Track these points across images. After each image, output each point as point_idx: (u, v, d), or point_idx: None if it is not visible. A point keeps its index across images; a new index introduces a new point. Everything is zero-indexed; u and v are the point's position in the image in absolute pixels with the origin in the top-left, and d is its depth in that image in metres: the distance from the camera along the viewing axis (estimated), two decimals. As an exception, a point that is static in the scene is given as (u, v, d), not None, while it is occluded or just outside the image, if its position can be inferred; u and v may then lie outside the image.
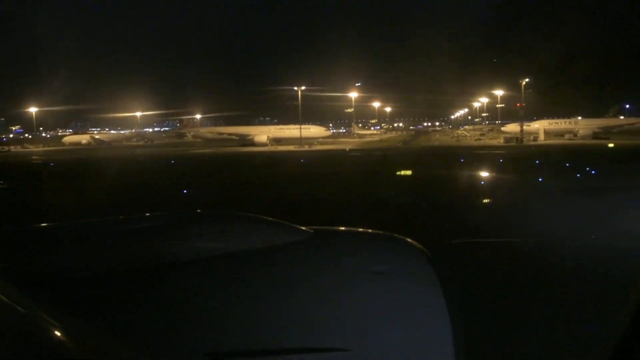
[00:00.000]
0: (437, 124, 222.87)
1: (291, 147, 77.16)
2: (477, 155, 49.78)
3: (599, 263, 10.59)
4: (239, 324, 2.02)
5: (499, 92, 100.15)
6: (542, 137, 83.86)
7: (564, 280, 9.74)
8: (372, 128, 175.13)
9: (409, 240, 2.54)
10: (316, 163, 47.27)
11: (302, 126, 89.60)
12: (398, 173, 32.17)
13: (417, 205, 20.28)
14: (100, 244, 2.30)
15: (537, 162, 40.32)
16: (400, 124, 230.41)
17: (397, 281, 2.25)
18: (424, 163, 41.53)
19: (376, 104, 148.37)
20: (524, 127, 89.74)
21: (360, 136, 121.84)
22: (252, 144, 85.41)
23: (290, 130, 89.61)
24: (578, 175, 30.29)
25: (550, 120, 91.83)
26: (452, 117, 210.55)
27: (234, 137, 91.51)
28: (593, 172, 31.50)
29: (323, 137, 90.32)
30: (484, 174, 31.89)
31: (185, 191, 26.29)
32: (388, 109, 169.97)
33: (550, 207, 18.11)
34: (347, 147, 73.04)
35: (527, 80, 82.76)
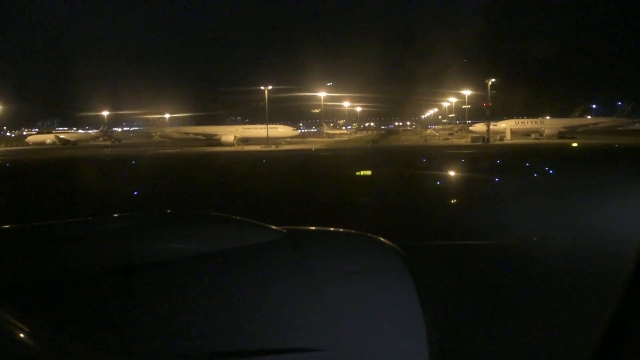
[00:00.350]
0: (409, 123, 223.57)
1: (258, 147, 76.36)
2: (440, 155, 49.64)
3: (564, 262, 10.54)
4: (212, 326, 2.00)
5: (466, 92, 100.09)
6: (508, 136, 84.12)
7: (533, 281, 9.74)
8: (344, 128, 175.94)
9: (383, 239, 2.51)
10: (278, 163, 46.57)
11: (270, 126, 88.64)
12: (357, 173, 31.83)
13: (370, 206, 20.14)
14: (66, 247, 2.23)
15: (498, 161, 40.13)
16: (372, 124, 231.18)
17: (370, 280, 2.25)
18: (386, 163, 41.13)
19: (346, 104, 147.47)
20: (492, 126, 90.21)
21: (330, 136, 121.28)
22: (219, 143, 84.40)
23: (258, 130, 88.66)
24: (535, 174, 30.19)
25: (517, 120, 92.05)
26: (423, 116, 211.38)
27: (200, 136, 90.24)
28: (551, 171, 31.47)
29: (291, 137, 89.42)
30: (443, 173, 31.60)
31: (135, 193, 25.44)
32: (359, 109, 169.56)
33: (505, 207, 17.91)
34: (314, 147, 72.45)
35: (493, 80, 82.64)
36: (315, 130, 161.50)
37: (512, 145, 67.74)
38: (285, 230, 2.44)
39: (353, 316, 2.12)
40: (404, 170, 34.80)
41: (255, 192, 24.86)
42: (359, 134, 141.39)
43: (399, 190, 24.45)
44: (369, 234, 2.59)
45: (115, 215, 2.57)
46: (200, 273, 2.17)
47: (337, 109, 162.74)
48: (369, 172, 31.86)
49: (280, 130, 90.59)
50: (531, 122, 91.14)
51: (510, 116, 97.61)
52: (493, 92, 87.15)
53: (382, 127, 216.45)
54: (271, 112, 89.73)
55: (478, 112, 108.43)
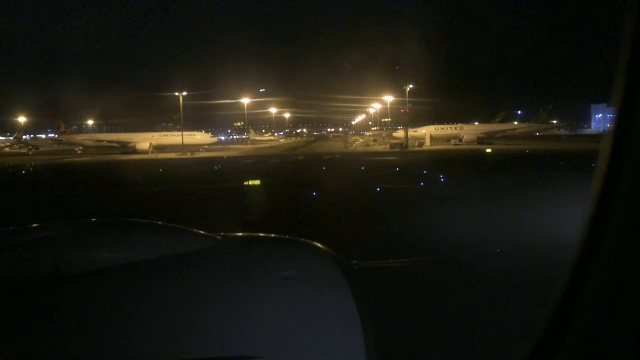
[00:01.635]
0: (340, 129, 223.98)
1: (172, 155, 74.00)
2: (345, 162, 48.53)
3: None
4: (144, 336, 1.93)
5: (388, 99, 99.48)
6: (428, 142, 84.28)
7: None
8: (276, 134, 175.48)
9: (319, 244, 2.51)
10: (174, 170, 44.63)
11: (187, 133, 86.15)
12: (245, 183, 30.14)
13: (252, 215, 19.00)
14: None
15: (397, 169, 39.00)
16: (304, 130, 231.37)
17: (306, 285, 2.22)
18: (290, 171, 40.00)
19: (273, 110, 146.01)
20: (413, 132, 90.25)
21: (254, 142, 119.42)
22: (134, 151, 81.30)
23: (175, 138, 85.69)
24: (422, 183, 29.19)
25: (437, 126, 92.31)
26: (353, 122, 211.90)
27: (114, 144, 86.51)
28: (441, 179, 30.54)
29: (209, 144, 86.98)
30: (327, 182, 30.14)
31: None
32: (287, 115, 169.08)
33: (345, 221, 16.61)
34: (226, 154, 70.55)
35: (411, 86, 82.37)
36: (245, 136, 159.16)
37: (427, 152, 67.39)
38: (220, 237, 2.42)
39: (289, 322, 2.08)
40: (293, 179, 33.39)
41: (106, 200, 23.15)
42: (285, 141, 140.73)
43: (270, 201, 23.25)
44: (304, 240, 2.56)
45: (40, 224, 2.44)
46: (133, 281, 2.08)
47: (269, 115, 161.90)
48: (257, 182, 30.36)
49: (198, 137, 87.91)
50: (451, 128, 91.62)
51: (440, 122, 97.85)
52: (426, 99, 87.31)
53: (315, 133, 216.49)
54: (200, 119, 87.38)
55: (414, 117, 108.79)
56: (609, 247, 1.91)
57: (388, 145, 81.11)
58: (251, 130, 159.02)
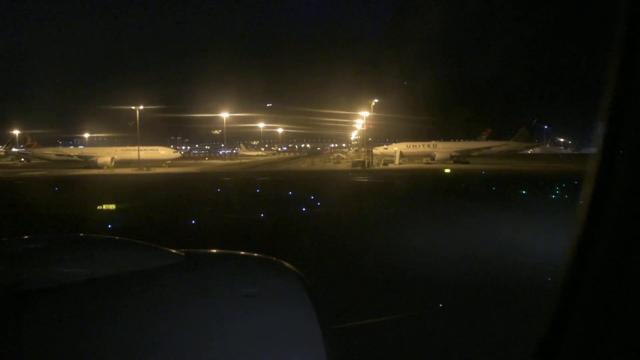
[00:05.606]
0: (344, 145, 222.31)
1: (128, 170, 72.12)
2: (253, 183, 45.79)
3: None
4: (104, 353, 1.93)
5: (364, 114, 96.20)
6: (397, 160, 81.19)
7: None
8: (279, 149, 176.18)
9: (284, 262, 2.52)
10: (105, 186, 42.41)
11: (151, 148, 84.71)
12: (99, 207, 27.87)
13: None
14: None
15: (290, 193, 36.20)
16: (308, 145, 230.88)
17: (268, 303, 2.24)
18: (176, 194, 37.76)
19: (261, 125, 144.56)
20: (384, 149, 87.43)
21: (239, 157, 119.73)
22: (96, 166, 79.64)
23: (140, 152, 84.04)
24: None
25: (409, 143, 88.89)
26: (352, 138, 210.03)
27: (76, 158, 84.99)
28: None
29: (172, 159, 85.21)
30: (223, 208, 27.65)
31: None
32: (280, 130, 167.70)
33: None
34: (188, 170, 69.04)
35: (376, 100, 78.85)
36: (235, 151, 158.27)
37: (378, 171, 64.13)
38: (184, 253, 2.39)
39: (251, 340, 2.09)
40: (159, 203, 30.97)
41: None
42: (275, 156, 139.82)
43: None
44: (269, 257, 2.56)
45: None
46: (94, 298, 2.06)
47: (270, 130, 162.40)
48: (112, 206, 28.12)
49: (162, 152, 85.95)
50: (424, 145, 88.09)
51: (427, 139, 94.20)
52: (410, 116, 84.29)
53: (318, 148, 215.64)
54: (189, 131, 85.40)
55: (398, 134, 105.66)
56: (600, 253, 2.10)
57: (350, 164, 78.40)
58: (241, 145, 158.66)
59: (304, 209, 25.65)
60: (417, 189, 39.98)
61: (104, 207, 27.93)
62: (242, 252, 2.67)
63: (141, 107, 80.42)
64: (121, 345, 1.93)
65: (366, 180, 49.46)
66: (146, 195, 36.00)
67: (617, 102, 2.15)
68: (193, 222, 22.00)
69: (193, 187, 43.21)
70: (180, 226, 21.15)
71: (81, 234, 2.67)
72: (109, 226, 20.59)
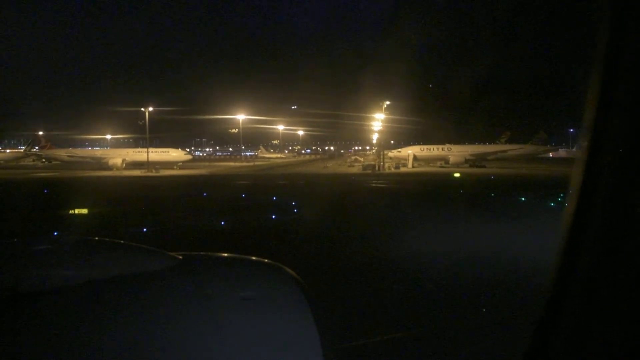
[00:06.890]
0: (367, 147, 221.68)
1: (137, 172, 72.04)
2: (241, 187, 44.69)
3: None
4: (101, 357, 1.91)
5: (380, 116, 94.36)
6: (410, 164, 79.21)
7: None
8: (303, 151, 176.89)
9: (282, 266, 2.50)
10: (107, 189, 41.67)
11: (161, 150, 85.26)
12: (72, 211, 27.15)
13: None
14: None
15: (274, 198, 34.85)
16: (332, 148, 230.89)
17: (266, 307, 2.22)
18: (159, 197, 36.92)
19: (281, 127, 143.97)
20: (397, 153, 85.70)
21: (261, 159, 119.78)
22: (108, 167, 79.93)
23: (150, 154, 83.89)
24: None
25: (423, 147, 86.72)
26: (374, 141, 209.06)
27: (88, 159, 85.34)
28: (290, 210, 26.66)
29: (183, 161, 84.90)
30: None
31: None
32: (300, 133, 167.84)
33: None
34: (197, 172, 68.66)
35: (387, 102, 76.39)
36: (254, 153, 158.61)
37: (390, 175, 62.60)
38: (181, 256, 2.38)
39: (248, 343, 2.07)
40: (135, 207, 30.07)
41: None
42: (294, 158, 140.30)
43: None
44: (267, 261, 2.54)
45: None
46: (92, 301, 2.07)
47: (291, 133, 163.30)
48: (85, 210, 27.42)
49: (173, 154, 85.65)
50: (438, 148, 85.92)
51: (447, 142, 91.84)
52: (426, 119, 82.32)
53: (342, 151, 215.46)
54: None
55: (415, 137, 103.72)
56: (587, 254, 2.18)
57: (361, 167, 76.86)
58: (261, 147, 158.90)
59: (273, 217, 24.39)
60: (397, 195, 38.11)
61: (75, 211, 27.21)
62: (240, 256, 2.64)
63: (150, 109, 79.76)
64: (118, 348, 1.90)
65: (362, 185, 47.79)
66: (123, 198, 35.15)
67: (598, 112, 2.27)
68: (145, 229, 20.91)
69: (183, 191, 42.28)
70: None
71: (81, 237, 2.56)
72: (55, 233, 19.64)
